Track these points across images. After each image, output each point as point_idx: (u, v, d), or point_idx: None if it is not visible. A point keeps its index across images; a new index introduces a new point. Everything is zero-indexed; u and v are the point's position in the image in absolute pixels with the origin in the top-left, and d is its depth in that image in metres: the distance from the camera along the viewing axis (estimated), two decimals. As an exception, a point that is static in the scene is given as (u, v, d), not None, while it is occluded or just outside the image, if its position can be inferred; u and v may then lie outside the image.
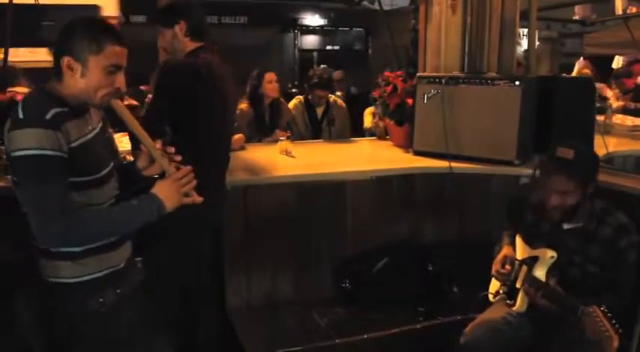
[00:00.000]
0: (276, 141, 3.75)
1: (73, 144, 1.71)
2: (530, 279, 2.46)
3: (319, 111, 4.58)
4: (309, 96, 4.58)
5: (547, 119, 3.31)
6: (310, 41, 16.85)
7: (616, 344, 2.10)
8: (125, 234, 1.88)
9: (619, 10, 6.82)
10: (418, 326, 3.13)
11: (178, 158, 1.87)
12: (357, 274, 3.41)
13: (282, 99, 4.41)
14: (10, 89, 3.21)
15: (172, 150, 1.87)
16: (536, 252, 2.50)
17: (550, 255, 2.44)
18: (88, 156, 1.78)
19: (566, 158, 2.33)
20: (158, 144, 1.87)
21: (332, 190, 3.41)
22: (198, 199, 1.85)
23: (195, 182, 1.83)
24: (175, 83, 2.51)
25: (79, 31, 1.73)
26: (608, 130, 4.31)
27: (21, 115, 1.67)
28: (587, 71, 6.85)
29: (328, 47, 17.82)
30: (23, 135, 1.63)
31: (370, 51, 16.52)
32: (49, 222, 1.65)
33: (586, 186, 2.37)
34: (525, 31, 3.92)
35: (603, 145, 3.54)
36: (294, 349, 2.93)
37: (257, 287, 3.31)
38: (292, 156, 3.50)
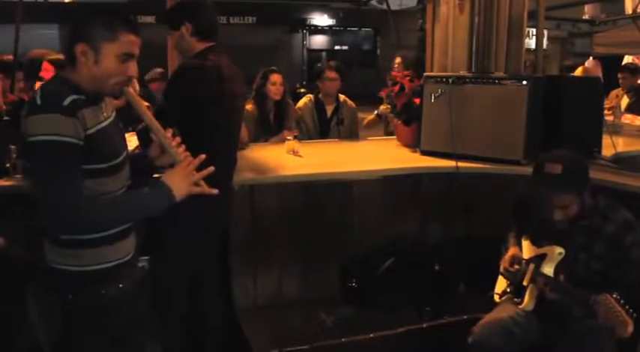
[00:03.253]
0: (284, 140, 3.75)
1: (90, 131, 1.73)
2: (538, 276, 2.47)
3: (329, 110, 4.58)
4: (320, 94, 4.57)
5: (555, 119, 3.30)
6: (319, 41, 16.90)
7: (631, 328, 2.12)
8: (135, 222, 1.89)
9: (629, 10, 6.77)
10: (425, 326, 3.13)
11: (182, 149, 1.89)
12: (364, 273, 3.41)
13: (288, 100, 4.40)
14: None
15: (178, 140, 1.89)
16: (543, 250, 2.51)
17: (558, 251, 2.45)
18: (104, 143, 1.79)
19: (556, 173, 2.32)
20: (169, 133, 1.90)
21: (339, 189, 3.41)
22: (208, 189, 1.86)
23: (205, 172, 1.84)
24: (184, 86, 2.53)
25: (94, 19, 1.75)
26: (616, 130, 4.29)
27: (39, 101, 1.68)
28: (588, 69, 6.67)
29: (337, 47, 17.85)
30: (40, 121, 1.65)
31: (379, 51, 16.51)
32: (63, 208, 1.65)
33: (582, 192, 2.37)
34: (534, 30, 3.92)
35: (612, 145, 3.53)
36: (301, 348, 2.94)
37: (264, 286, 3.32)
38: (299, 156, 3.50)
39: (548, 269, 2.46)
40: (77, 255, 1.79)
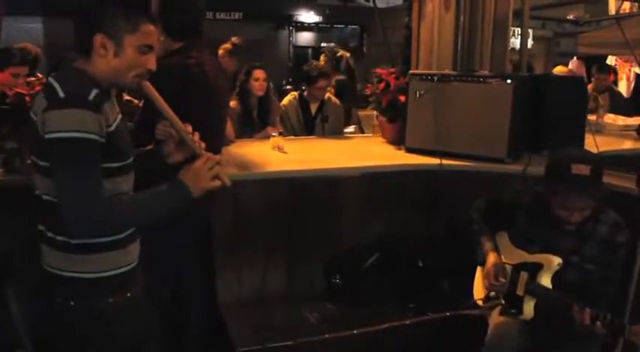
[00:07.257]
0: (268, 137, 3.74)
1: (111, 128, 1.65)
2: (537, 288, 2.41)
3: (313, 107, 4.57)
4: (305, 92, 4.56)
5: (539, 117, 3.33)
6: (305, 38, 16.82)
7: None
8: (156, 221, 1.75)
9: (612, 11, 6.83)
10: (408, 322, 3.14)
11: (203, 145, 1.83)
12: (348, 269, 3.42)
13: (272, 96, 4.40)
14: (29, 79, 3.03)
15: (198, 135, 1.83)
16: (537, 259, 2.44)
17: (557, 262, 2.38)
18: (121, 141, 1.71)
19: (584, 174, 2.22)
20: (188, 128, 1.83)
21: (323, 186, 3.41)
22: (227, 181, 1.80)
23: (222, 166, 1.79)
24: (167, 86, 2.48)
25: (114, 9, 1.66)
26: (599, 129, 4.33)
27: (62, 94, 1.57)
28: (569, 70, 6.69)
29: (323, 44, 17.77)
30: (65, 116, 1.54)
31: (365, 48, 16.48)
32: (87, 209, 1.56)
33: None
34: (519, 30, 3.94)
35: (594, 144, 3.56)
36: (284, 344, 2.94)
37: (248, 283, 3.31)
38: (284, 152, 3.49)
39: (546, 281, 2.39)
40: (87, 260, 1.69)
